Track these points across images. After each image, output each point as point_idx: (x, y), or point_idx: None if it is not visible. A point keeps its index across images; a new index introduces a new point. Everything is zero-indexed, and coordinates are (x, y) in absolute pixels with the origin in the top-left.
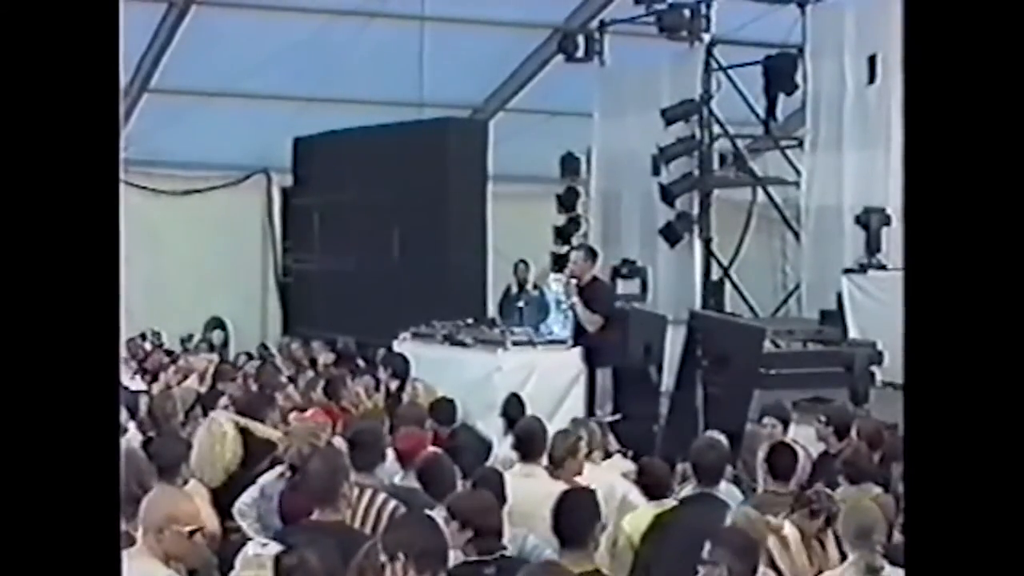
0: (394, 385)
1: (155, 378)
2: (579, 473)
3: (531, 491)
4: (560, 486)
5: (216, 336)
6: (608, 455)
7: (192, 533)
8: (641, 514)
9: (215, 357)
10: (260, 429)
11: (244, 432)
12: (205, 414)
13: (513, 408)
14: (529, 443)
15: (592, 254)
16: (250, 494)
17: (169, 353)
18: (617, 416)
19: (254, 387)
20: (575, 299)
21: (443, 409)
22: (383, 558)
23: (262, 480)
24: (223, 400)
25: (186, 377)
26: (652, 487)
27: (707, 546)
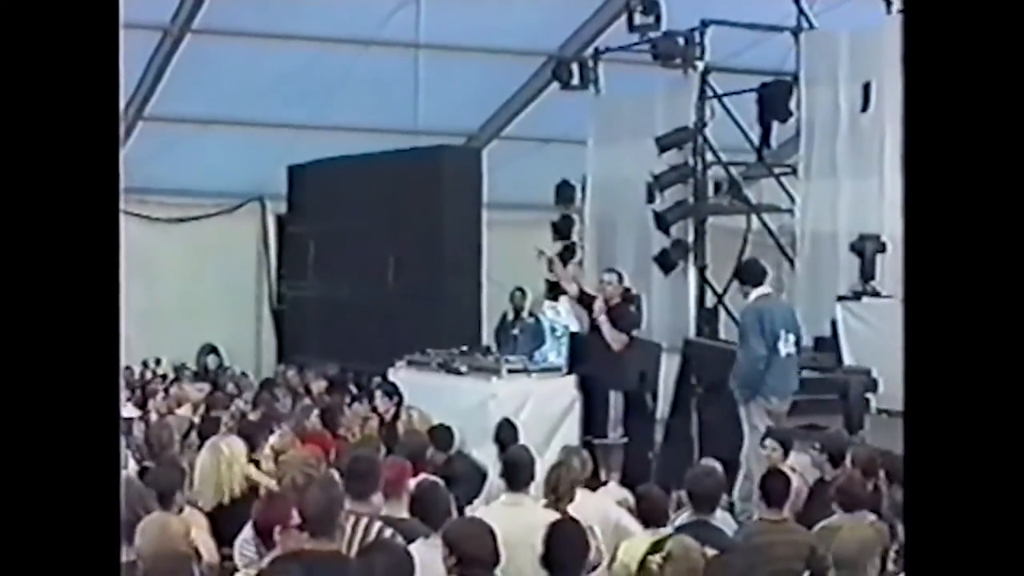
0: (389, 413)
1: (145, 405)
2: (571, 500)
3: (517, 521)
4: (547, 515)
5: (211, 360)
6: (603, 482)
7: (184, 559)
8: (637, 543)
9: (207, 386)
10: (255, 473)
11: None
12: (202, 442)
13: (506, 434)
14: (516, 472)
15: (621, 278)
16: (248, 530)
17: (163, 378)
18: (626, 439)
19: (251, 416)
20: (602, 317)
21: (441, 436)
22: None
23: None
24: (221, 429)
25: (179, 405)
26: (650, 515)
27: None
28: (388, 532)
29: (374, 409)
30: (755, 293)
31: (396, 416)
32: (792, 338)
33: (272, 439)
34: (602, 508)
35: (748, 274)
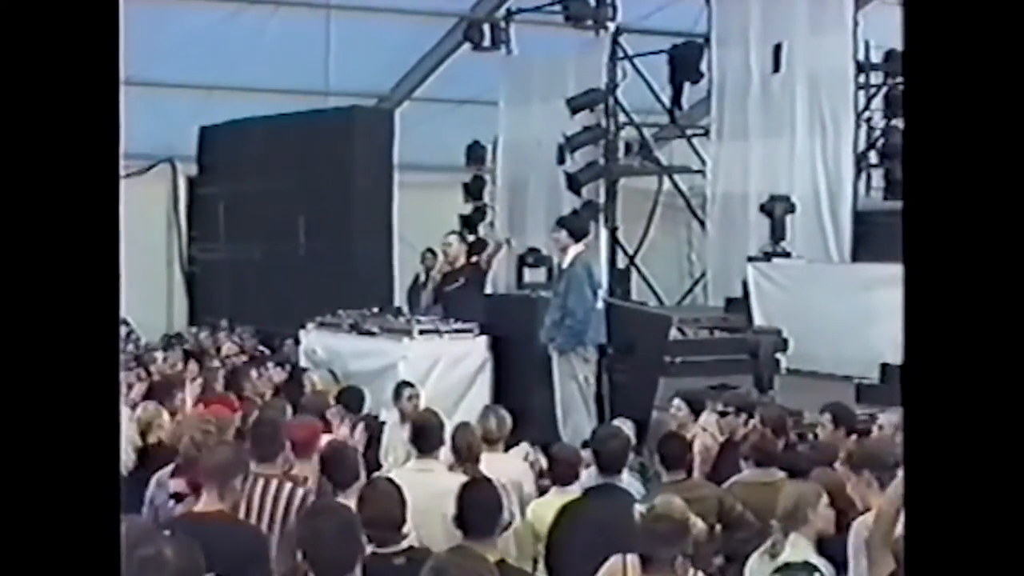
0: (295, 376)
1: None
2: (476, 461)
3: (427, 487)
4: (457, 480)
5: None
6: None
7: None
8: (546, 503)
9: None
10: (159, 425)
11: (145, 429)
12: None
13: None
14: (425, 437)
15: (462, 238)
16: (148, 493)
17: None
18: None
19: (156, 377)
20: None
21: (351, 397)
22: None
23: (158, 474)
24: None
25: None
26: (564, 475)
27: (617, 537)
28: (300, 493)
29: (283, 371)
30: (577, 248)
31: (301, 379)
32: (601, 292)
33: (137, 411)
34: (514, 470)
35: (578, 229)
